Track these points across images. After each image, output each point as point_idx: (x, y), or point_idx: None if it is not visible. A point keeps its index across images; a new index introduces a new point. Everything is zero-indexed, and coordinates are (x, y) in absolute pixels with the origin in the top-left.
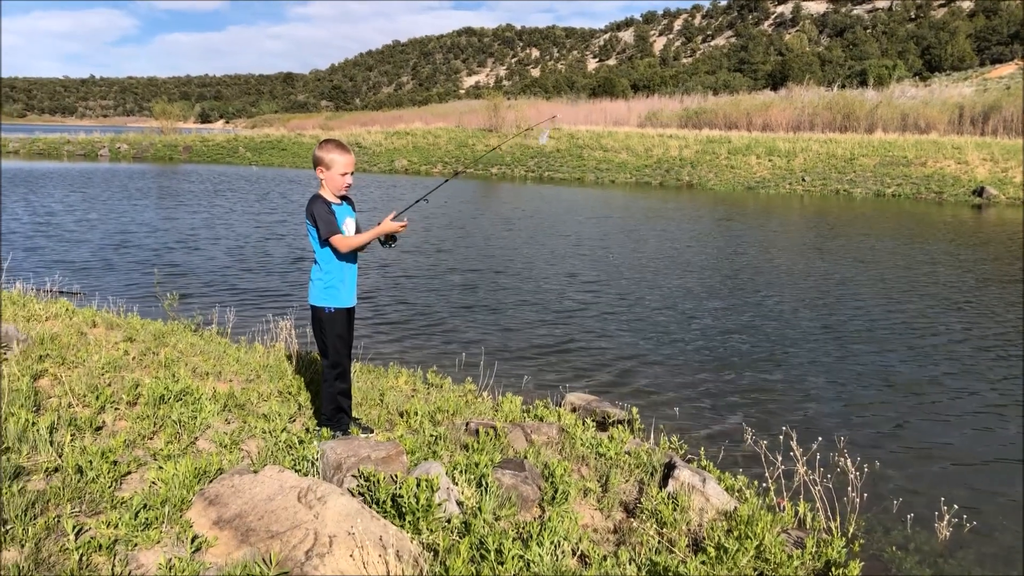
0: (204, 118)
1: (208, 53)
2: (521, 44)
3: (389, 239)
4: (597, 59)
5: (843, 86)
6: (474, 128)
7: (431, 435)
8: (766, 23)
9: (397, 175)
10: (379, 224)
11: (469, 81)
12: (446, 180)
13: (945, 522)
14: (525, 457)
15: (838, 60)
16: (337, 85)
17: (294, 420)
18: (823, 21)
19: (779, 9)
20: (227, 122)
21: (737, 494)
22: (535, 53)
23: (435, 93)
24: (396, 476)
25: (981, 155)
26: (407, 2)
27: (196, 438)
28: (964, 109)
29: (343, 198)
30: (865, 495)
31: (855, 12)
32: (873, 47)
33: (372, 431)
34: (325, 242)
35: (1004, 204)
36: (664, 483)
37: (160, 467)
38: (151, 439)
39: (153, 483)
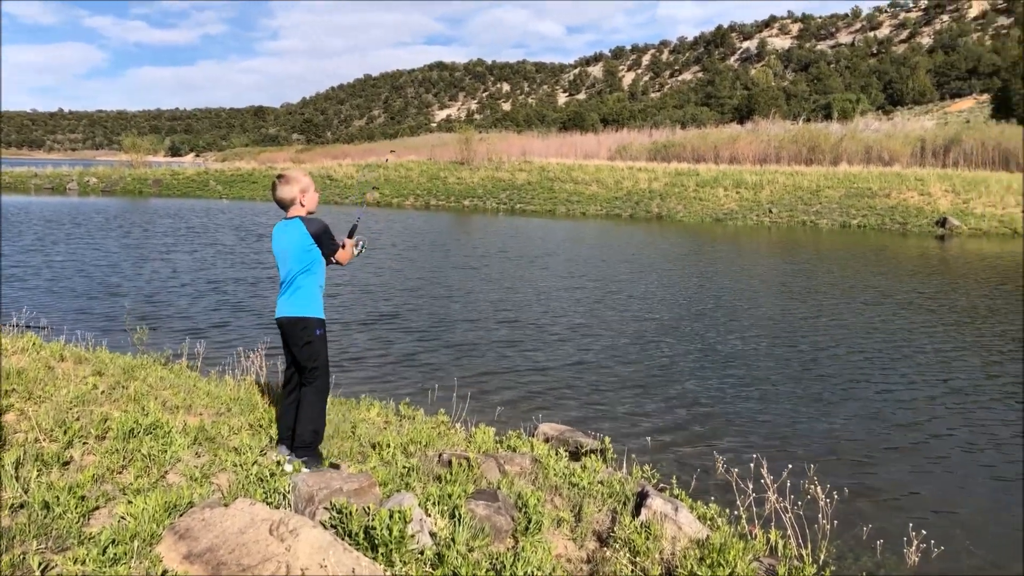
0: (174, 152)
1: (180, 87)
2: (492, 79)
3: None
4: (567, 93)
5: (808, 119)
6: (446, 161)
7: (404, 467)
8: (732, 58)
9: (369, 207)
10: None
11: (441, 115)
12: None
13: (914, 548)
14: (498, 488)
15: (803, 94)
16: (309, 119)
17: (265, 453)
18: (788, 56)
19: (745, 44)
20: (197, 155)
21: (709, 522)
22: (506, 87)
23: (407, 127)
24: (369, 508)
25: (943, 187)
26: (380, 37)
27: (166, 472)
28: (926, 142)
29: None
30: (836, 522)
31: (819, 48)
32: (837, 81)
33: (335, 464)
34: None
35: (966, 235)
36: (637, 512)
37: (129, 501)
38: (120, 473)
39: (122, 518)
